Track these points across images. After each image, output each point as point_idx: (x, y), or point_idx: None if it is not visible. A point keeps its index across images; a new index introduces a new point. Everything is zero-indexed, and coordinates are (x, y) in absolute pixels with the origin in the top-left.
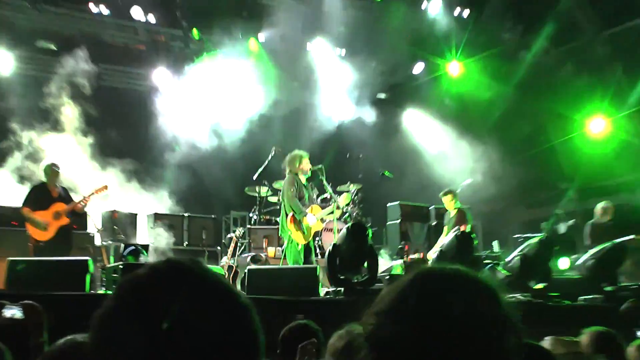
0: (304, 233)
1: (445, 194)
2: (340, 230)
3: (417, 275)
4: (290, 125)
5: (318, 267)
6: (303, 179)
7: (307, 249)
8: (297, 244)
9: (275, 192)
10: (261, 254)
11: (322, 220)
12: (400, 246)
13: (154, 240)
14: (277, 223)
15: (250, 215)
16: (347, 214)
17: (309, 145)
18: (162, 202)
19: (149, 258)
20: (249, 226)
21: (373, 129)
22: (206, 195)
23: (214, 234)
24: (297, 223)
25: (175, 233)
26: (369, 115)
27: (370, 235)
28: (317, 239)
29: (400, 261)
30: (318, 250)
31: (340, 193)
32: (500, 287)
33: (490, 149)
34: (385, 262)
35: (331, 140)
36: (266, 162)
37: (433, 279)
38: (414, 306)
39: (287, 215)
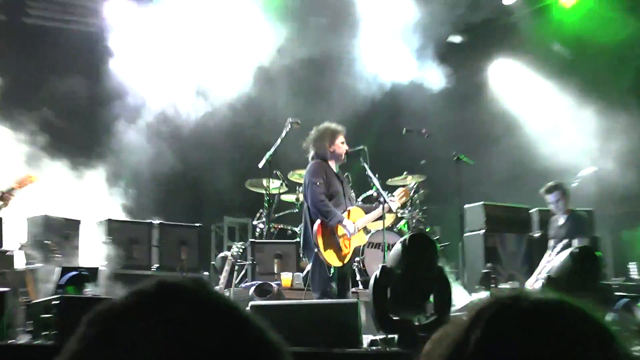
0: (337, 250)
1: (551, 190)
2: (393, 245)
3: (480, 313)
4: (315, 86)
5: (359, 302)
6: (335, 166)
7: (342, 274)
8: (328, 267)
9: (292, 187)
10: (271, 283)
11: (365, 230)
12: (485, 270)
13: (107, 260)
14: (295, 235)
15: (255, 223)
16: (403, 221)
17: (343, 116)
18: (119, 203)
19: (99, 288)
20: (252, 240)
21: (442, 92)
22: (187, 193)
23: (198, 251)
24: (328, 235)
25: (139, 250)
26: (436, 72)
27: (438, 252)
28: (358, 259)
29: (486, 293)
30: (359, 277)
31: (392, 189)
32: (628, 336)
33: (626, 120)
34: (463, 295)
35: (378, 109)
36: (278, 141)
37: (506, 319)
38: None
39: (311, 222)
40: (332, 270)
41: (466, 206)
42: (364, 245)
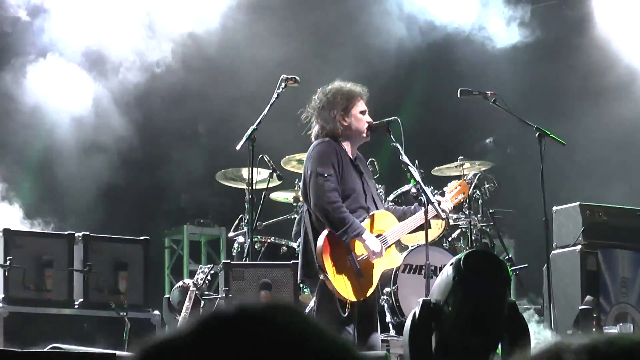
0: (355, 277)
1: None
2: (440, 270)
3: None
4: (322, 25)
5: (389, 356)
6: (351, 148)
7: (364, 314)
8: (341, 304)
9: (288, 181)
10: None
11: (399, 246)
12: (583, 306)
13: (7, 291)
14: (293, 253)
15: (231, 235)
16: (457, 232)
17: (364, 72)
18: (22, 206)
19: None
20: (226, 261)
21: (519, 45)
22: (128, 191)
23: (144, 278)
24: (340, 254)
25: (53, 278)
26: (505, 13)
27: (511, 279)
28: (388, 290)
29: (585, 339)
30: (390, 318)
31: (441, 184)
32: None
33: None
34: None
35: (420, 62)
36: (266, 109)
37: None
38: None
39: (314, 234)
40: (347, 308)
41: (555, 209)
42: (397, 270)
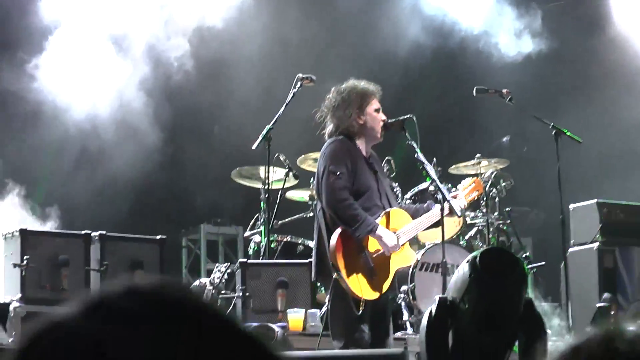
0: (369, 275)
1: None
2: (457, 268)
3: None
4: (338, 22)
5: (406, 354)
6: (365, 147)
7: (378, 312)
8: (355, 302)
9: (304, 179)
10: (273, 326)
11: (415, 244)
12: (601, 303)
13: (23, 291)
14: (309, 252)
15: (247, 234)
16: (474, 230)
17: (379, 71)
18: (36, 205)
19: (7, 334)
20: (242, 260)
21: (533, 46)
22: (143, 191)
23: (160, 276)
24: (353, 252)
25: (70, 276)
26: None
27: (527, 277)
28: (405, 288)
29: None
30: (406, 316)
31: (456, 181)
32: None
33: None
34: (566, 342)
35: (435, 60)
36: (282, 109)
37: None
38: None
39: (327, 232)
40: (361, 307)
41: (571, 206)
42: (414, 268)
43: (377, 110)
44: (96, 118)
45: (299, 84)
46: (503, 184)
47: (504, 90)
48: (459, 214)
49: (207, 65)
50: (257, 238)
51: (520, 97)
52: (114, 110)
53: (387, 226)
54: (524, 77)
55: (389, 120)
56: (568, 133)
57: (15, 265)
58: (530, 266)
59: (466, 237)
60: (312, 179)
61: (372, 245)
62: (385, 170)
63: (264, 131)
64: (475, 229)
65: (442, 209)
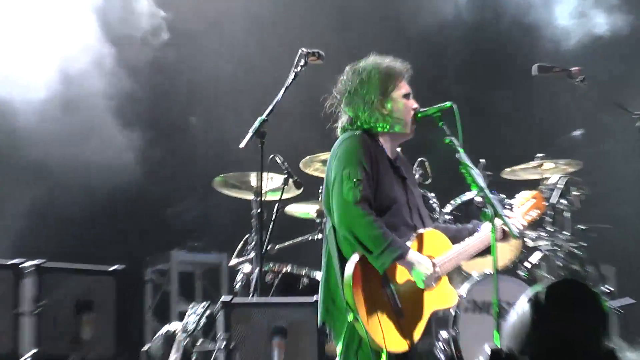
0: (396, 318)
1: None
2: (514, 307)
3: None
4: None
5: None
6: (391, 145)
7: None
8: (376, 355)
9: (308, 188)
10: None
11: (457, 275)
12: None
13: None
14: (313, 287)
15: (233, 263)
16: (537, 256)
17: (407, 46)
18: None
19: None
20: (224, 299)
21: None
22: (97, 208)
23: (115, 321)
24: (375, 285)
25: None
26: None
27: (609, 317)
28: (445, 334)
29: None
30: None
31: (512, 191)
32: None
33: None
34: None
35: (480, 32)
36: (280, 93)
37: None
38: None
39: (340, 259)
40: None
41: None
42: (457, 309)
43: (406, 96)
44: (28, 97)
45: (302, 61)
46: (575, 193)
47: (574, 69)
48: (517, 235)
49: (181, 37)
50: (246, 268)
51: (595, 81)
52: (55, 85)
53: (422, 250)
54: (594, 59)
55: (422, 110)
56: None
57: None
58: (613, 303)
59: (526, 266)
60: (320, 188)
61: (401, 276)
62: (417, 176)
63: (256, 124)
64: (538, 255)
65: (493, 230)
